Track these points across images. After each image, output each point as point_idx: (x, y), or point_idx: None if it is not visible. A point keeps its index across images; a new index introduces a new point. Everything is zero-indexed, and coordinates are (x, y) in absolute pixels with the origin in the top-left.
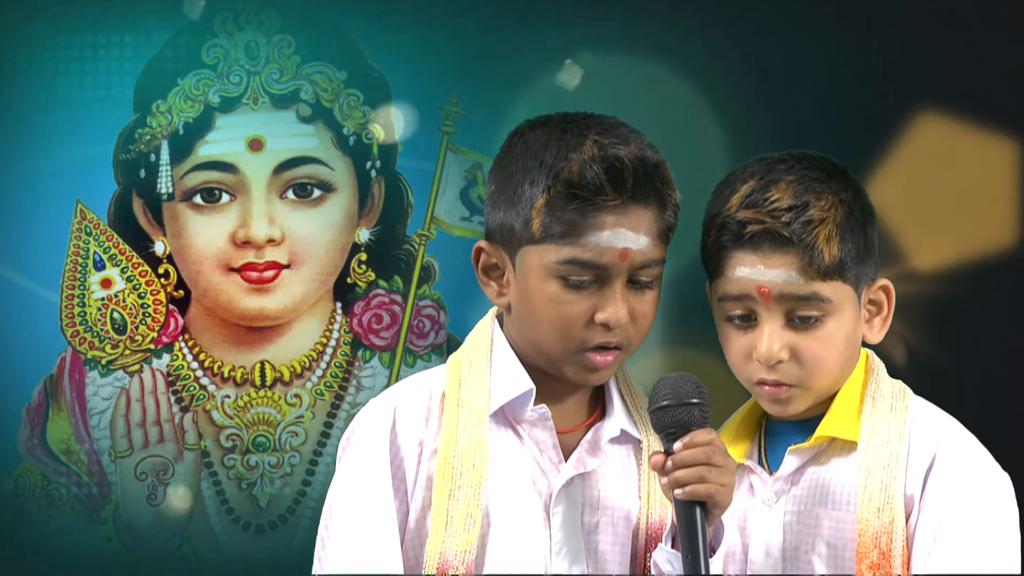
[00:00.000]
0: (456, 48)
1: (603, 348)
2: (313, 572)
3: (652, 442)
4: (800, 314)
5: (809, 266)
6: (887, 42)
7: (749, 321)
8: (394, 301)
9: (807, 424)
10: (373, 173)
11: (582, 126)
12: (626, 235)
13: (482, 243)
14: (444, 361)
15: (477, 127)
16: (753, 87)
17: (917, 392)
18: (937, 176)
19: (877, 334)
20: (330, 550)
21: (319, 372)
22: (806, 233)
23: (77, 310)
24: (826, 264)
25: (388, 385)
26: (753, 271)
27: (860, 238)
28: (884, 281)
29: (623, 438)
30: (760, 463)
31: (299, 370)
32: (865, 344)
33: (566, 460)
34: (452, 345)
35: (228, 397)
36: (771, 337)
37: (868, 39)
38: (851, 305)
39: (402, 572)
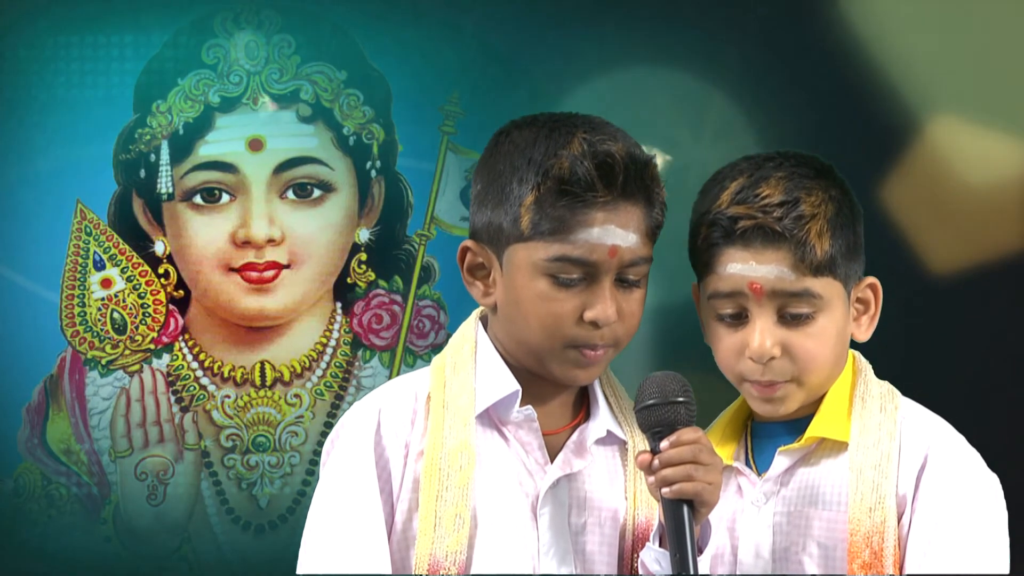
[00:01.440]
0: (456, 48)
1: (592, 346)
2: (297, 573)
3: (637, 443)
4: (792, 311)
5: (801, 262)
6: (902, 45)
7: (740, 319)
8: (394, 301)
9: (794, 425)
10: (373, 173)
11: (569, 124)
12: (616, 232)
13: (468, 243)
14: None
15: (477, 127)
16: (768, 90)
17: (928, 394)
18: (950, 178)
19: (865, 332)
20: (316, 551)
21: (319, 372)
22: (798, 228)
23: (77, 310)
24: (818, 260)
25: None
26: (745, 267)
27: (850, 235)
28: (872, 279)
29: (608, 439)
30: (747, 464)
31: (299, 370)
32: (853, 344)
33: (552, 461)
34: None
35: (228, 397)
36: (763, 333)
37: (883, 43)
38: (841, 302)
39: (390, 573)
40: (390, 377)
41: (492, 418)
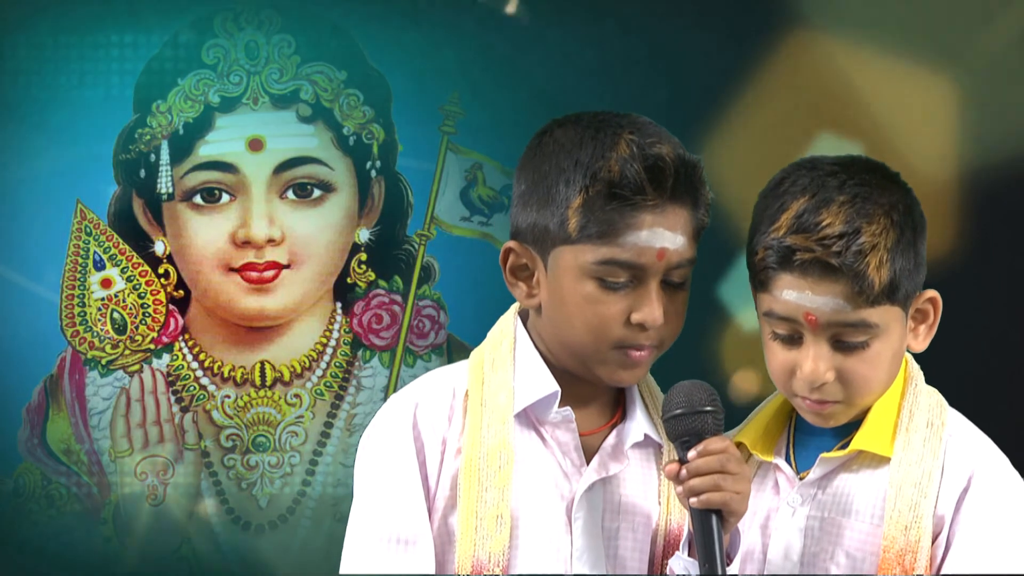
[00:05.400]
0: (456, 48)
1: (638, 347)
2: (341, 572)
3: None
4: (847, 340)
5: (859, 295)
6: None
7: (794, 341)
8: (394, 301)
9: (840, 427)
10: (373, 173)
11: (614, 125)
12: (664, 235)
13: (511, 243)
14: (445, 361)
15: (477, 127)
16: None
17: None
18: None
19: (922, 343)
20: (362, 550)
21: (319, 372)
22: (857, 262)
23: (77, 310)
24: (875, 292)
25: (388, 385)
26: (801, 296)
27: (911, 255)
28: (932, 293)
29: (645, 442)
30: (788, 460)
31: (299, 370)
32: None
33: (588, 463)
34: (452, 345)
35: (228, 397)
36: (816, 360)
37: None
38: (898, 324)
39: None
40: (390, 377)
41: (530, 417)
